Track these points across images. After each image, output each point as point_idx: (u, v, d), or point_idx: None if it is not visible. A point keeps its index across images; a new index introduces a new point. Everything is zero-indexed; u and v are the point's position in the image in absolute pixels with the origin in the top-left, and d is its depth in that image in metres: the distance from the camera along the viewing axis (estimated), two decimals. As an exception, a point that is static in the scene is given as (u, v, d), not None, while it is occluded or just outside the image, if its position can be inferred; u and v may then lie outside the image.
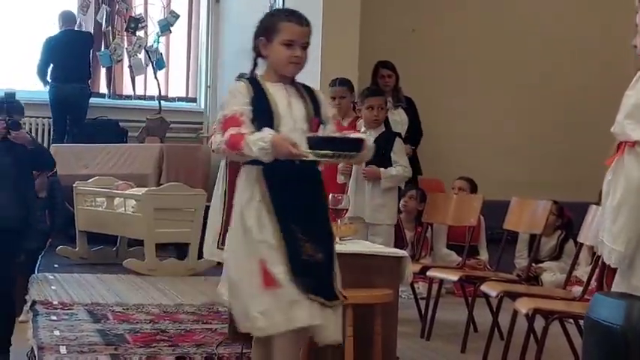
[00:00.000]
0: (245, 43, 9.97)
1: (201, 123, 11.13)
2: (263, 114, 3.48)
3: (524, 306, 4.41)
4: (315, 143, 3.33)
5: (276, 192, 3.47)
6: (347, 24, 7.80)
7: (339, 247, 4.51)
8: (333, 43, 7.86)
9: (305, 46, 3.56)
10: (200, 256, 8.02)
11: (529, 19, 9.43)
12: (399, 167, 6.01)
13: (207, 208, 8.18)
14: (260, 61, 3.61)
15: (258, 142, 3.33)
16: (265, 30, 3.55)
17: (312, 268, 3.44)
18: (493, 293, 5.02)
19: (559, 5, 9.62)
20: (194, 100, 11.39)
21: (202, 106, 11.25)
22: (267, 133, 3.36)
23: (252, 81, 3.56)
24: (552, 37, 9.23)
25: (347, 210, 5.04)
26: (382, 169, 5.97)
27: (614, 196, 2.61)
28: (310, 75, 7.79)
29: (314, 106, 3.59)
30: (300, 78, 8.86)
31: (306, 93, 3.63)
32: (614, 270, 2.65)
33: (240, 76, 3.69)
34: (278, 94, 3.55)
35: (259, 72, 3.63)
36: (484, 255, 7.99)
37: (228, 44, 10.62)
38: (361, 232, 5.45)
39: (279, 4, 8.85)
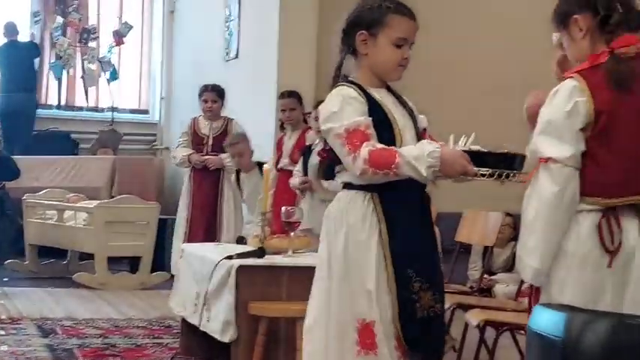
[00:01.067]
0: (201, 54, 9.96)
1: (154, 135, 11.05)
2: (382, 126, 2.91)
3: (475, 318, 4.41)
4: (482, 160, 2.79)
5: (394, 228, 2.89)
6: (304, 34, 7.78)
7: (292, 259, 4.52)
8: (290, 53, 7.84)
9: (411, 46, 3.01)
10: (154, 269, 7.97)
11: (497, 20, 9.44)
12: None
13: (161, 221, 8.15)
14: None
15: (426, 158, 2.74)
16: (368, 22, 2.96)
17: (430, 323, 2.91)
18: (445, 305, 5.00)
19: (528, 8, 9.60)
20: (147, 111, 11.31)
21: (156, 118, 11.16)
22: (432, 147, 2.77)
23: (357, 85, 2.97)
24: (516, 42, 9.25)
25: (299, 222, 5.02)
26: (322, 181, 5.94)
27: (530, 212, 2.63)
28: (266, 86, 7.85)
29: (412, 116, 3.07)
30: (255, 90, 8.82)
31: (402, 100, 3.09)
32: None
33: (337, 79, 3.03)
34: (388, 102, 3.00)
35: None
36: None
37: (183, 55, 10.57)
38: (315, 244, 5.41)
39: (234, 15, 8.81)
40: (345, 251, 2.90)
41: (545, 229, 2.62)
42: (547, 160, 2.61)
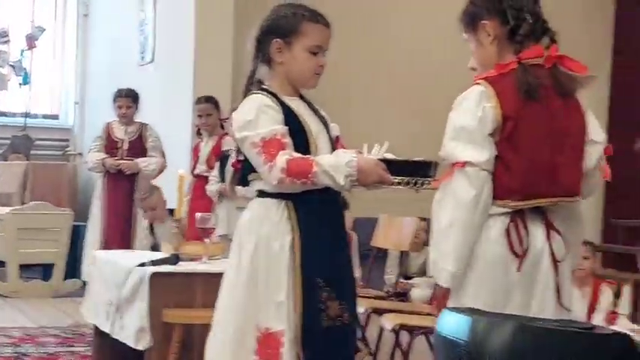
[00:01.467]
0: (115, 58, 9.80)
1: (67, 140, 10.87)
2: (297, 135, 2.89)
3: (389, 322, 4.45)
4: (398, 168, 2.80)
5: (308, 236, 2.89)
6: (220, 39, 7.75)
7: (206, 266, 4.48)
8: (206, 58, 7.80)
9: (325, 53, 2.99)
10: (67, 276, 7.85)
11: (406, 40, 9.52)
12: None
13: (75, 227, 8.03)
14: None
15: (344, 167, 2.74)
16: (283, 30, 2.94)
17: (337, 333, 2.90)
18: (360, 310, 5.04)
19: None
20: (56, 117, 11.11)
21: (70, 123, 10.98)
22: (348, 156, 2.77)
23: (271, 94, 2.95)
24: (423, 50, 9.34)
25: (215, 229, 4.99)
26: (238, 188, 5.89)
27: (445, 217, 2.66)
28: (182, 91, 7.79)
29: (325, 125, 3.06)
30: (171, 95, 8.73)
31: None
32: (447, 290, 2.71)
33: (249, 87, 3.01)
34: (302, 111, 2.99)
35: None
36: (357, 272, 8.04)
37: (97, 60, 10.43)
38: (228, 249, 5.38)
39: (149, 19, 8.73)
40: (255, 260, 2.89)
41: (462, 233, 2.65)
42: (464, 164, 2.65)
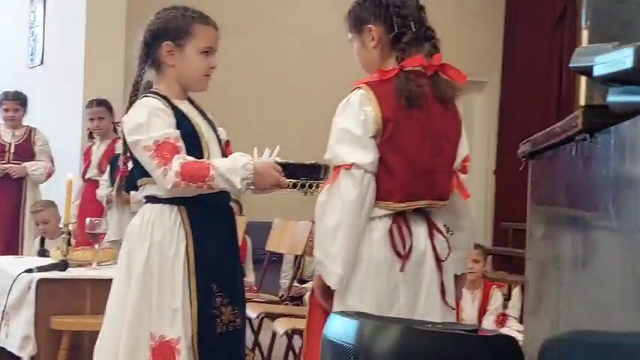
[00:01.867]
0: (4, 59, 9.51)
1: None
2: (189, 138, 2.85)
3: (282, 326, 4.45)
4: (292, 171, 2.82)
5: (202, 242, 2.86)
6: (111, 42, 7.63)
7: (96, 272, 4.40)
8: (97, 61, 7.67)
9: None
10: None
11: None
12: None
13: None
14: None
15: (240, 171, 2.72)
16: (174, 33, 2.91)
17: (229, 338, 2.90)
18: (253, 315, 5.02)
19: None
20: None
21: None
22: (245, 159, 2.76)
23: (162, 97, 2.91)
24: (315, 51, 9.37)
25: (105, 234, 4.90)
26: (132, 193, 5.78)
27: (331, 218, 2.68)
28: (72, 93, 7.65)
29: (213, 129, 3.04)
30: (61, 97, 8.53)
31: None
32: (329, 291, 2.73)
33: (136, 91, 2.97)
34: (193, 115, 2.96)
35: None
36: (250, 276, 8.00)
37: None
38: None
39: (39, 21, 8.55)
40: (147, 267, 2.85)
41: (349, 235, 2.67)
42: (350, 166, 2.66)
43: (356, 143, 2.67)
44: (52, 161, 7.21)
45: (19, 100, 7.19)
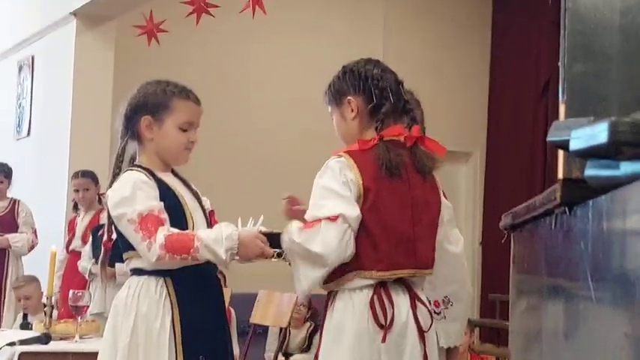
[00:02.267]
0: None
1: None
2: (174, 210, 2.88)
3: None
4: (276, 241, 2.80)
5: (189, 313, 2.84)
6: (97, 114, 7.67)
7: (78, 345, 4.37)
8: (83, 132, 7.70)
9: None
10: None
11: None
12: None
13: None
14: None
15: (224, 241, 2.74)
16: (153, 107, 2.95)
17: None
18: (238, 388, 4.97)
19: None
20: None
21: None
22: (229, 229, 2.77)
23: (146, 170, 2.94)
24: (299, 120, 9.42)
25: (87, 307, 4.87)
26: (117, 265, 5.72)
27: (315, 247, 2.67)
28: (58, 165, 7.66)
29: (197, 199, 3.06)
30: (46, 169, 8.53)
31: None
32: None
33: (119, 164, 3.00)
34: (176, 186, 2.98)
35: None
36: (235, 349, 7.94)
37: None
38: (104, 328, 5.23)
39: (26, 90, 8.60)
40: (134, 339, 2.83)
41: (323, 273, 2.69)
42: (336, 217, 2.67)
43: (341, 199, 2.69)
44: (35, 233, 7.19)
45: (3, 172, 7.21)
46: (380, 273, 2.72)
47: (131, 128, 2.99)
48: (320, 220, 2.68)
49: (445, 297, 2.92)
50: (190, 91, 3.03)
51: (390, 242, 2.73)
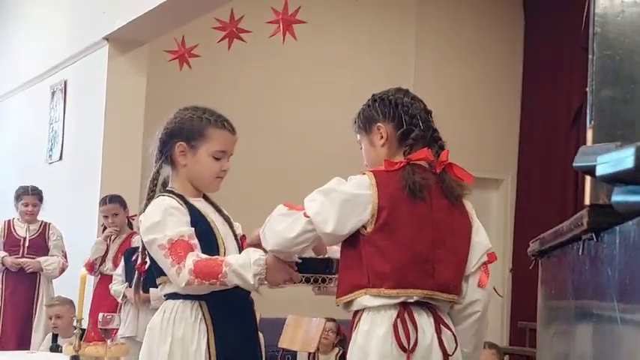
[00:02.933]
0: (24, 155, 9.60)
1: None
2: (205, 236, 2.90)
3: None
4: (305, 266, 2.85)
5: (224, 336, 2.86)
6: (129, 137, 7.72)
7: (107, 368, 4.37)
8: (115, 156, 7.75)
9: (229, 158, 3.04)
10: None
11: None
12: None
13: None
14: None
15: (253, 267, 2.74)
16: (188, 134, 2.97)
17: None
18: (266, 413, 4.96)
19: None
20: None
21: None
22: (257, 254, 2.78)
23: (178, 196, 2.95)
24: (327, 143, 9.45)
25: (117, 330, 4.88)
26: (151, 290, 5.74)
27: (278, 225, 2.76)
28: (89, 189, 7.71)
29: (229, 224, 3.08)
30: (78, 193, 8.57)
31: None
32: None
33: (153, 189, 3.02)
34: (208, 211, 3.00)
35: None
36: (263, 374, 7.94)
37: (4, 156, 10.29)
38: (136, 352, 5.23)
39: (59, 114, 8.68)
40: None
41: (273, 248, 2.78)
42: (308, 217, 2.72)
43: (329, 204, 2.72)
44: (65, 256, 7.23)
45: (37, 196, 7.26)
46: (388, 291, 2.71)
47: (166, 153, 3.01)
48: (301, 210, 2.75)
49: None
50: (226, 120, 3.04)
51: (402, 261, 2.73)
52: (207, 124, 2.98)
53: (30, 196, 7.26)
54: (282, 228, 2.75)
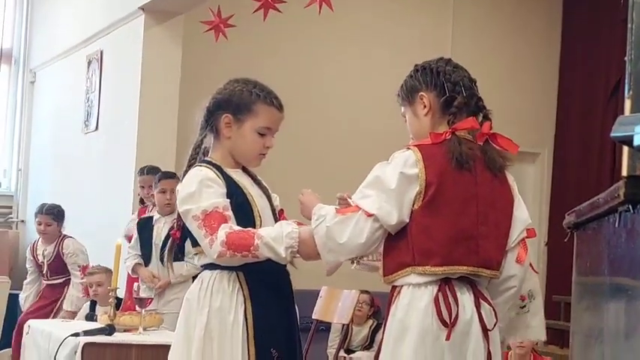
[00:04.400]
0: (60, 125, 9.65)
1: (10, 207, 10.73)
2: (242, 207, 2.90)
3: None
4: None
5: (261, 307, 2.86)
6: (165, 108, 7.72)
7: (141, 337, 4.41)
8: (151, 127, 7.76)
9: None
10: (3, 345, 7.67)
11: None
12: (190, 266, 5.34)
13: (12, 295, 7.87)
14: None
15: (285, 239, 2.74)
16: (236, 107, 2.97)
17: None
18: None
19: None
20: (2, 184, 10.97)
21: (12, 190, 10.85)
22: (290, 227, 2.78)
23: (215, 167, 2.94)
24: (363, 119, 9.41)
25: (152, 299, 4.92)
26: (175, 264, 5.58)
27: (344, 236, 2.68)
28: (125, 159, 7.75)
29: (267, 196, 3.07)
30: (114, 163, 8.63)
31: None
32: None
33: (194, 157, 3.03)
34: (246, 183, 2.99)
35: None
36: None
37: (41, 127, 10.36)
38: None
39: (95, 85, 8.71)
40: (207, 333, 2.86)
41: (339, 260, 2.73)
42: (371, 215, 2.67)
43: (386, 195, 2.68)
44: (83, 270, 6.88)
45: (52, 215, 7.10)
46: (434, 268, 2.69)
47: (211, 123, 3.00)
48: (358, 209, 2.68)
49: (529, 291, 2.90)
50: (275, 97, 3.02)
51: (448, 238, 2.70)
52: (256, 99, 2.97)
53: (43, 216, 7.09)
54: (348, 237, 2.68)
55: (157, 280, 5.59)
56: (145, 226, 5.88)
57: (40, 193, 10.01)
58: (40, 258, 7.09)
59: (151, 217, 5.91)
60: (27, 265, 7.23)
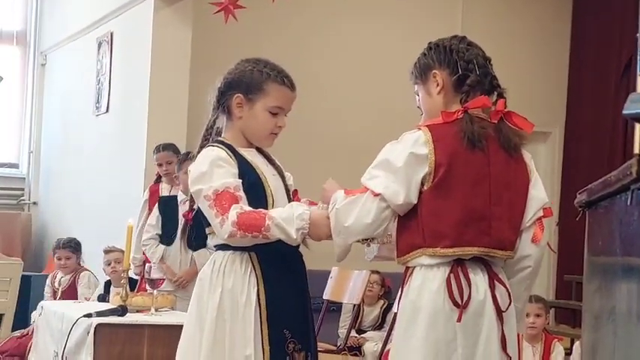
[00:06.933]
0: (71, 107, 9.67)
1: (22, 189, 10.77)
2: (254, 187, 2.90)
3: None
4: None
5: (274, 288, 2.87)
6: (175, 89, 7.73)
7: (153, 318, 4.43)
8: (161, 108, 7.77)
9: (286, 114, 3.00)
10: (16, 327, 7.70)
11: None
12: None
13: (24, 277, 7.89)
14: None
15: (296, 221, 2.74)
16: (247, 86, 2.96)
17: None
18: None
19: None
20: (16, 165, 11.01)
21: (24, 172, 10.89)
22: (301, 208, 2.78)
23: (227, 147, 2.95)
24: (377, 102, 9.41)
25: (163, 280, 4.93)
26: (194, 254, 5.61)
27: (349, 219, 2.68)
28: (136, 141, 7.76)
29: (281, 176, 3.07)
30: (125, 145, 8.64)
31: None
32: None
33: (207, 137, 3.04)
34: (259, 163, 2.99)
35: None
36: (309, 325, 7.98)
37: (53, 109, 10.38)
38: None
39: (105, 67, 8.72)
40: (220, 314, 2.86)
41: (341, 246, 2.73)
42: (378, 194, 2.66)
43: (394, 177, 2.67)
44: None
45: (70, 248, 7.10)
46: (444, 250, 2.67)
47: (223, 103, 2.99)
48: (366, 190, 2.68)
49: None
50: (287, 76, 3.01)
51: (458, 220, 2.67)
52: (267, 79, 2.96)
53: (61, 250, 7.08)
54: (354, 219, 2.67)
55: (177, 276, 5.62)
56: (167, 205, 5.89)
57: (52, 175, 10.04)
58: (57, 285, 7.12)
59: (175, 197, 5.93)
60: (45, 291, 7.26)
